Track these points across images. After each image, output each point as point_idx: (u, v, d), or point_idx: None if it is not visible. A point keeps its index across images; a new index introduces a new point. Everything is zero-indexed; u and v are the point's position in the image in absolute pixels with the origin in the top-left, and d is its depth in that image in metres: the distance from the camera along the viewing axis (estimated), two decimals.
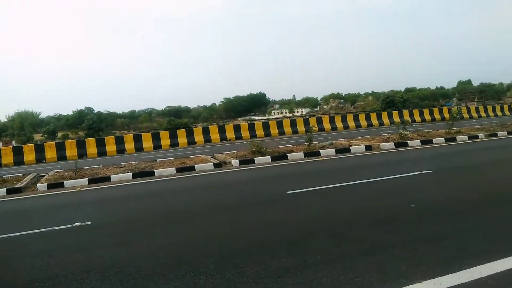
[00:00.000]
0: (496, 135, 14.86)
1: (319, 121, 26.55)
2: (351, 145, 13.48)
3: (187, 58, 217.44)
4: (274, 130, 24.83)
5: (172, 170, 11.11)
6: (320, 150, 12.67)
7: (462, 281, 3.09)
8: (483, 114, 30.19)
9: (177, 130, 25.02)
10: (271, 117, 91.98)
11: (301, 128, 24.21)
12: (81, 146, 20.94)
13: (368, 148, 13.20)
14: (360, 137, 16.55)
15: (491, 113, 30.43)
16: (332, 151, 12.71)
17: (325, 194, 7.01)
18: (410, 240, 4.18)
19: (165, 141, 22.41)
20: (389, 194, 6.68)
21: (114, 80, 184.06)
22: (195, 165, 11.43)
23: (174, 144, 22.38)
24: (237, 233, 5.08)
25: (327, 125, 26.13)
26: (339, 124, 26.55)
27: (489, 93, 71.67)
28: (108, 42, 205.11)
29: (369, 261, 3.65)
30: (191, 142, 22.82)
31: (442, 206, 5.62)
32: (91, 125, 59.92)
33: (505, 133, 15.09)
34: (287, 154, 12.29)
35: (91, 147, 21.00)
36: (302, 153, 12.42)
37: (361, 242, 4.25)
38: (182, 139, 22.80)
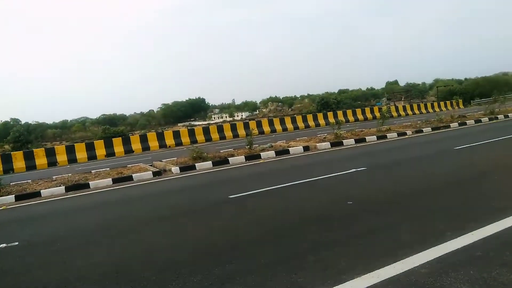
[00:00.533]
0: (422, 131, 15.95)
1: (259, 124, 26.85)
2: (290, 147, 13.75)
3: (123, 65, 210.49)
4: (214, 135, 24.70)
5: (108, 181, 10.60)
6: (261, 153, 12.78)
7: (397, 272, 3.23)
8: (409, 112, 32.33)
9: (113, 138, 23.99)
10: (211, 122, 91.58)
11: (241, 132, 24.34)
12: (6, 160, 19.25)
13: (306, 149, 13.55)
14: (298, 139, 16.96)
15: (416, 111, 32.66)
16: (272, 153, 12.88)
17: (267, 196, 7.05)
18: (349, 236, 4.32)
19: (100, 150, 21.39)
20: (327, 193, 6.88)
21: (43, 90, 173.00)
22: (133, 175, 10.99)
23: (110, 153, 21.44)
24: (179, 242, 4.94)
25: (266, 128, 26.48)
26: (278, 127, 27.03)
27: (414, 93, 76.96)
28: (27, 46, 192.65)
29: (310, 261, 3.70)
30: (129, 150, 22.01)
31: (377, 200, 5.89)
32: (18, 138, 55.56)
33: (429, 129, 16.25)
34: (228, 159, 12.25)
35: (19, 161, 19.42)
36: (243, 157, 12.44)
37: (302, 242, 4.31)
38: (118, 148, 21.91)
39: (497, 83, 47.00)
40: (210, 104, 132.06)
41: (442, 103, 35.70)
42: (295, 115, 33.73)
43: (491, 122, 17.65)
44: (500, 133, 12.25)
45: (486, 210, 4.76)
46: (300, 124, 28.02)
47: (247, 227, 5.25)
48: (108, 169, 13.00)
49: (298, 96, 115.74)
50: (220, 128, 25.56)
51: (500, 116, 18.54)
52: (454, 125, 17.01)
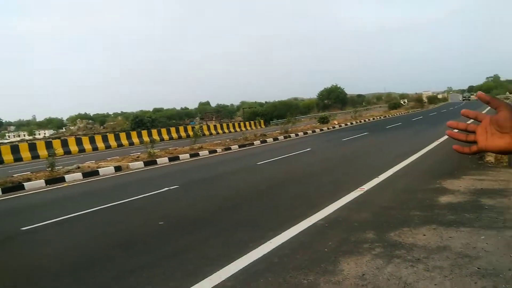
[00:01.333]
0: (230, 148, 17.16)
1: (65, 143, 24.29)
2: (100, 167, 12.83)
3: None
4: (7, 157, 21.07)
5: None
6: (65, 175, 11.50)
7: None
8: (220, 131, 34.52)
9: None
10: (5, 141, 78.16)
11: (43, 152, 21.43)
12: None
13: (118, 169, 12.87)
14: (109, 158, 16.00)
15: (226, 130, 35.14)
16: (79, 175, 11.76)
17: (68, 224, 6.31)
18: (159, 258, 4.21)
19: None
20: (138, 214, 6.62)
21: None
22: None
23: None
24: None
25: (74, 148, 24.13)
26: (87, 146, 24.97)
27: (224, 113, 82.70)
28: None
29: None
30: None
31: (188, 218, 5.97)
32: None
33: (237, 146, 17.62)
34: (24, 184, 10.58)
35: None
36: (43, 181, 10.95)
37: (108, 271, 3.99)
38: None
39: (290, 106, 54.83)
40: (3, 121, 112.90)
41: (247, 123, 39.43)
42: (107, 134, 31.81)
43: (285, 140, 20.31)
44: (292, 149, 14.21)
45: (282, 218, 5.36)
46: (113, 143, 26.56)
47: (40, 262, 4.57)
48: None
49: (111, 113, 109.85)
50: (15, 148, 21.97)
51: (292, 135, 21.54)
52: (257, 142, 18.91)
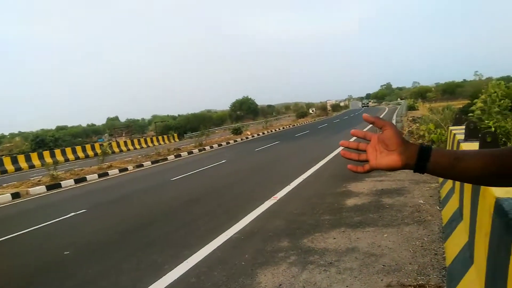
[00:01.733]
0: (142, 165, 16.49)
1: None
2: None
3: None
4: None
5: None
6: None
7: None
8: (131, 147, 33.05)
9: None
10: None
11: None
12: None
13: (16, 195, 11.61)
14: (5, 184, 14.36)
15: (137, 146, 33.76)
16: None
17: None
18: None
19: None
20: (39, 247, 6.00)
21: None
22: None
23: None
24: None
25: None
26: None
27: (135, 128, 79.60)
28: None
29: None
30: None
31: (96, 244, 5.56)
32: None
33: (149, 162, 17.00)
34: None
35: None
36: None
37: None
38: None
39: (203, 118, 54.66)
40: None
41: (160, 137, 38.33)
42: (2, 157, 28.61)
43: (200, 152, 20.12)
44: (207, 162, 14.11)
45: (197, 234, 5.24)
46: (9, 167, 23.92)
47: None
48: None
49: (7, 134, 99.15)
50: None
51: (207, 147, 21.43)
52: (171, 157, 18.45)
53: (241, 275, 3.68)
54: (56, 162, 16.15)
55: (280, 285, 3.36)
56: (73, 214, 7.82)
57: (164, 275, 3.90)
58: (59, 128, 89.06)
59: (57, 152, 27.59)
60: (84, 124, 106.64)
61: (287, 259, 3.93)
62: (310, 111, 61.90)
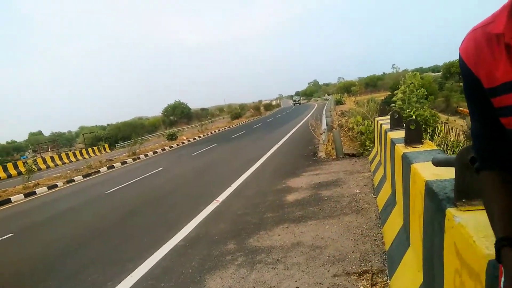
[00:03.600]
0: (73, 180, 15.54)
1: None
2: None
3: None
4: None
5: None
6: None
7: None
8: (59, 162, 30.97)
9: None
10: None
11: None
12: None
13: None
14: None
15: (66, 160, 31.72)
16: None
17: None
18: None
19: None
20: None
21: None
22: None
23: None
24: None
25: None
26: None
27: (62, 142, 74.90)
28: None
29: None
30: None
31: (26, 272, 5.15)
32: None
33: (81, 177, 16.06)
34: None
35: None
36: None
37: None
38: None
39: (135, 126, 52.78)
40: None
41: (90, 150, 36.35)
42: None
43: (134, 162, 19.41)
44: (143, 171, 13.65)
45: (140, 247, 5.05)
46: None
47: None
48: None
49: None
50: None
51: (142, 156, 20.74)
52: (104, 169, 17.59)
53: (189, 283, 3.60)
54: None
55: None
56: None
57: None
58: None
59: None
60: (3, 142, 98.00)
61: (234, 262, 3.91)
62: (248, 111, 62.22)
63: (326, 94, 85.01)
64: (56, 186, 14.64)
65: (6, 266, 5.62)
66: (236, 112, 55.46)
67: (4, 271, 5.36)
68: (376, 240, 3.73)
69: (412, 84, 12.29)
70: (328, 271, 3.27)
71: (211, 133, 31.46)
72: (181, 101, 65.97)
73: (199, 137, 28.75)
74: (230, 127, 36.47)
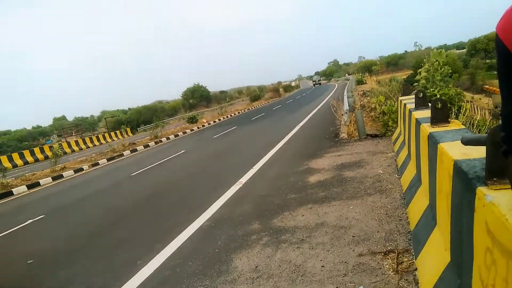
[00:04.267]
0: (98, 163, 15.94)
1: None
2: None
3: None
4: None
5: None
6: None
7: None
8: (83, 146, 31.75)
9: None
10: None
11: None
12: None
13: None
14: None
15: (90, 144, 32.48)
16: None
17: None
18: None
19: None
20: (1, 257, 5.71)
21: None
22: None
23: None
24: None
25: None
26: None
27: (85, 126, 76.46)
28: None
29: None
30: None
31: (62, 250, 5.38)
32: None
33: (105, 160, 16.45)
34: None
35: None
36: None
37: None
38: None
39: (156, 110, 53.32)
40: None
41: (112, 133, 37.03)
42: None
43: (157, 145, 19.73)
44: (165, 154, 13.87)
45: (167, 227, 5.19)
46: None
47: None
48: None
49: None
50: None
51: (164, 139, 21.03)
52: (127, 152, 17.95)
53: (216, 262, 3.71)
54: (3, 169, 15.25)
55: (256, 267, 3.42)
56: (30, 221, 7.48)
57: (139, 271, 3.85)
58: (2, 134, 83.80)
59: (3, 158, 25.99)
60: (29, 127, 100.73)
61: (260, 241, 3.99)
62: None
63: (346, 74, 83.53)
64: (82, 169, 15.05)
65: (41, 245, 5.88)
66: (255, 94, 55.26)
67: (39, 249, 5.61)
68: (401, 220, 3.73)
69: (437, 62, 11.97)
70: (353, 250, 3.31)
71: (231, 115, 31.54)
72: (200, 84, 66.02)
73: (219, 119, 28.88)
74: (249, 109, 36.45)
